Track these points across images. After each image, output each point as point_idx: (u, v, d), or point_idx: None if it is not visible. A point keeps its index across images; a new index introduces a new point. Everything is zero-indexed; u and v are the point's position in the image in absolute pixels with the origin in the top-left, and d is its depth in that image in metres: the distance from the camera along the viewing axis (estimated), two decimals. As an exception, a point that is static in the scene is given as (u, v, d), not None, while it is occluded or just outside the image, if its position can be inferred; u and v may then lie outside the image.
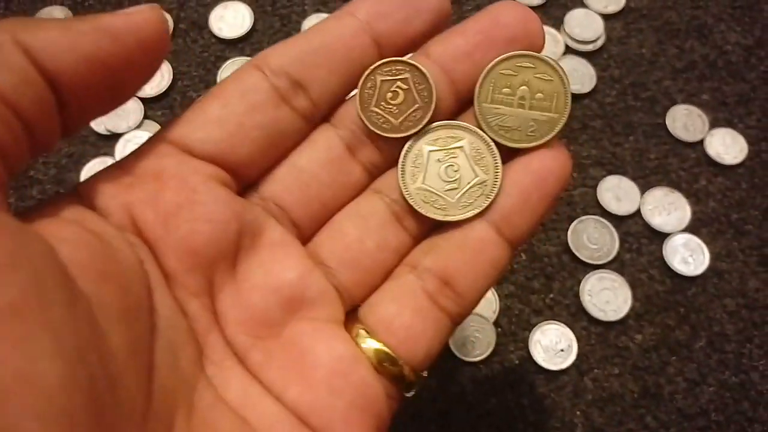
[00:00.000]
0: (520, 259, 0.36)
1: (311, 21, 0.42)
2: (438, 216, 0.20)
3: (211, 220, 0.18)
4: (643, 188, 0.38)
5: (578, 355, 0.34)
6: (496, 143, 0.20)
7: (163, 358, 0.16)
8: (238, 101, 0.19)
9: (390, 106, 0.20)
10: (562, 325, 0.35)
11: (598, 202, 0.37)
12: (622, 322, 0.35)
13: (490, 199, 0.20)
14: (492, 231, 0.20)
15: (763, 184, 0.38)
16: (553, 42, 0.41)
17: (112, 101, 0.17)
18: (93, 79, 0.15)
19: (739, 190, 0.38)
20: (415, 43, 0.20)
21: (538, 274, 0.36)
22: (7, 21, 0.15)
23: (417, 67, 0.20)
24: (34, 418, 0.12)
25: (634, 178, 0.38)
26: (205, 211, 0.18)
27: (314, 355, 0.19)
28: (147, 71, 0.17)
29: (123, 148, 0.37)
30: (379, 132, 0.20)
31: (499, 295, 0.35)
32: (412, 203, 0.20)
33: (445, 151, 0.20)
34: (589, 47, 0.41)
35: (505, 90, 0.20)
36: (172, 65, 0.40)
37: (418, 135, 0.20)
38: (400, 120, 0.20)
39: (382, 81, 0.20)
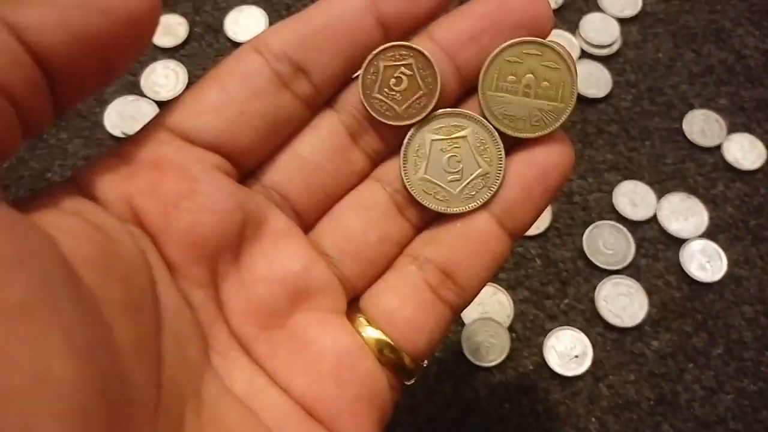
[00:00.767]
0: (535, 264, 0.36)
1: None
2: (440, 208, 0.20)
3: (214, 211, 0.18)
4: (660, 193, 0.37)
5: (593, 362, 0.34)
6: (500, 132, 0.19)
7: (170, 351, 0.16)
8: (238, 87, 0.18)
9: (393, 93, 0.19)
10: (577, 330, 0.34)
11: (613, 207, 0.37)
12: (638, 328, 0.34)
13: (492, 192, 0.19)
14: (494, 223, 0.19)
15: (783, 190, 0.38)
16: (569, 46, 0.41)
17: (102, 79, 0.16)
18: (83, 56, 0.15)
19: (758, 196, 0.38)
20: (420, 25, 0.19)
21: (552, 279, 0.36)
22: None
23: (421, 53, 0.19)
24: (52, 418, 0.12)
25: (650, 183, 0.38)
26: (207, 201, 0.18)
27: (320, 347, 0.18)
28: (137, 47, 0.16)
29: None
30: (382, 120, 0.20)
31: (513, 301, 0.35)
32: (414, 194, 0.20)
33: (449, 141, 0.20)
34: (605, 51, 0.41)
35: (510, 78, 0.19)
36: (187, 69, 0.40)
37: (421, 123, 0.20)
38: (403, 107, 0.19)
39: (385, 66, 0.19)
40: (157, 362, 0.16)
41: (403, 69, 0.19)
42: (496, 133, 0.19)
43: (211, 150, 0.18)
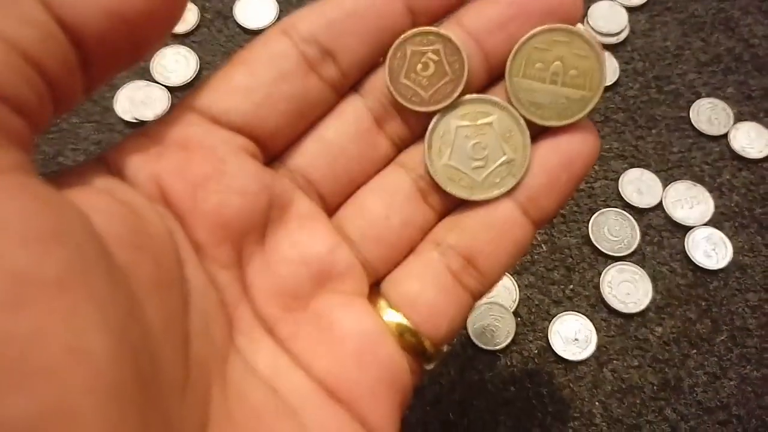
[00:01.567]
0: (541, 250, 0.36)
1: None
2: (464, 195, 0.20)
3: (241, 192, 0.18)
4: (666, 181, 0.38)
5: (597, 346, 0.34)
6: (526, 120, 0.19)
7: (197, 330, 0.16)
8: (266, 69, 0.18)
9: (420, 78, 0.19)
10: (582, 316, 0.34)
11: (619, 194, 0.37)
12: (642, 314, 0.35)
13: (517, 179, 0.19)
14: (518, 211, 0.19)
15: (788, 179, 0.38)
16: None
17: (132, 56, 0.16)
18: (114, 33, 0.15)
19: (764, 185, 0.38)
20: (449, 11, 0.19)
21: (558, 265, 0.36)
22: None
23: (449, 38, 0.19)
24: (86, 393, 0.12)
25: (656, 171, 0.38)
26: (234, 183, 0.18)
27: (342, 329, 0.19)
28: (168, 23, 0.16)
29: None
30: (408, 105, 0.19)
31: (518, 286, 0.35)
32: (437, 181, 0.20)
33: (474, 128, 0.20)
34: (613, 40, 0.41)
35: (538, 65, 0.19)
36: (197, 54, 0.40)
37: (446, 109, 0.20)
38: (430, 93, 0.19)
39: (413, 52, 0.19)
40: (184, 341, 0.16)
41: (430, 54, 0.19)
42: (522, 121, 0.19)
43: (238, 132, 0.18)
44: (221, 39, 0.41)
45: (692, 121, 0.39)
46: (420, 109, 0.20)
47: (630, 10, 0.42)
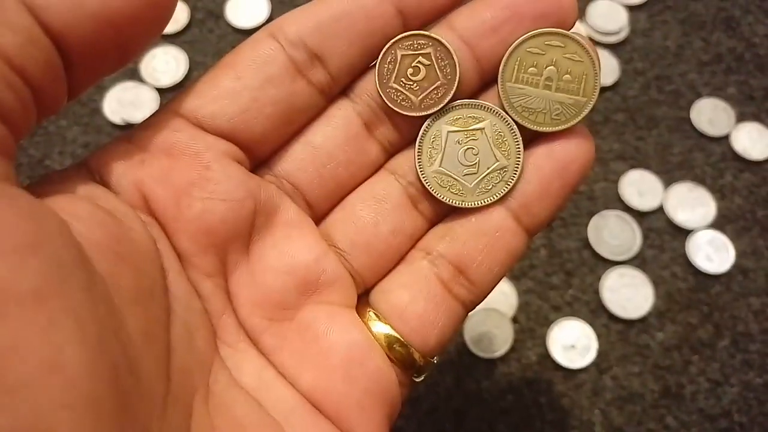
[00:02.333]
0: (539, 254, 0.36)
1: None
2: (455, 202, 0.19)
3: (225, 199, 0.17)
4: (667, 183, 0.37)
5: (597, 353, 0.33)
6: (519, 125, 0.19)
7: (180, 340, 0.16)
8: (253, 73, 0.18)
9: (410, 83, 0.19)
10: (582, 321, 0.34)
11: (619, 196, 0.37)
12: (643, 319, 0.34)
13: (509, 187, 0.19)
14: (510, 219, 0.19)
15: (791, 181, 0.37)
16: (575, 33, 0.40)
17: (118, 60, 0.16)
18: (100, 37, 0.15)
19: (766, 186, 0.37)
20: (441, 14, 0.19)
21: (557, 269, 0.35)
22: None
23: (440, 42, 0.18)
24: (63, 408, 0.11)
25: (657, 173, 0.37)
26: (218, 190, 0.17)
27: (329, 341, 0.18)
28: (155, 28, 0.16)
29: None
30: (398, 110, 0.19)
31: (517, 291, 0.34)
32: (428, 187, 0.19)
33: (465, 133, 0.19)
34: (612, 39, 0.40)
35: (531, 69, 0.19)
36: (188, 55, 0.39)
37: (438, 114, 0.19)
38: (420, 97, 0.19)
39: (403, 55, 0.19)
40: (166, 351, 0.16)
41: (421, 58, 0.19)
42: (515, 126, 0.19)
43: (223, 137, 0.18)
44: (212, 39, 0.40)
45: (693, 121, 0.38)
46: (411, 114, 0.19)
47: (630, 8, 0.41)
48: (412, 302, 0.19)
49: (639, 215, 0.36)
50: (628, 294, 0.34)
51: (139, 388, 0.14)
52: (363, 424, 0.18)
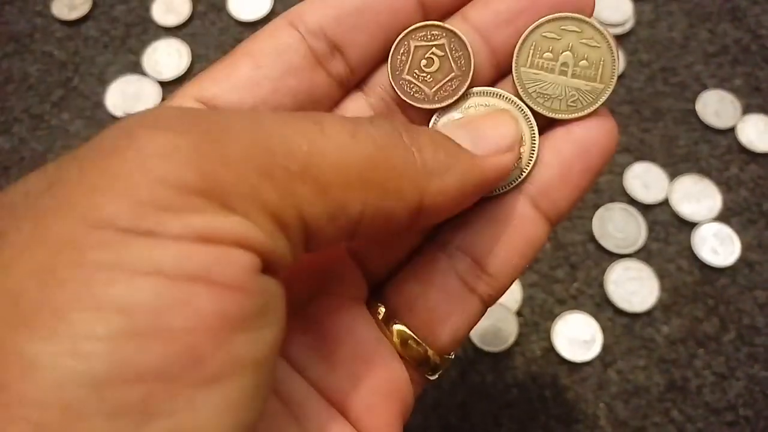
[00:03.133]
0: (544, 247, 0.35)
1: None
2: None
3: None
4: (672, 176, 0.37)
5: (602, 347, 0.33)
6: (534, 112, 0.18)
7: None
8: (273, 63, 0.17)
9: (424, 74, 0.18)
10: (587, 315, 0.34)
11: (624, 189, 0.36)
12: (648, 313, 0.34)
13: (524, 173, 0.18)
14: (528, 205, 0.18)
15: (797, 173, 0.37)
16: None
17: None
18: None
19: (772, 179, 0.37)
20: (461, 5, 0.18)
21: (562, 263, 0.35)
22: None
23: (454, 33, 0.18)
24: None
25: (662, 165, 0.37)
26: None
27: (337, 336, 0.18)
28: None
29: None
30: (411, 102, 0.19)
31: (522, 285, 0.34)
32: None
33: None
34: (618, 30, 0.40)
35: (547, 55, 0.18)
36: (190, 47, 0.39)
37: (451, 106, 0.19)
38: (434, 89, 0.19)
39: (416, 47, 0.18)
40: None
41: (434, 50, 0.18)
42: (529, 112, 0.18)
43: None
44: (215, 32, 0.40)
45: (699, 113, 0.38)
46: (424, 107, 0.19)
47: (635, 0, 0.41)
48: (423, 295, 0.18)
49: (644, 208, 0.36)
50: (633, 287, 0.34)
51: None
52: (372, 420, 0.17)
